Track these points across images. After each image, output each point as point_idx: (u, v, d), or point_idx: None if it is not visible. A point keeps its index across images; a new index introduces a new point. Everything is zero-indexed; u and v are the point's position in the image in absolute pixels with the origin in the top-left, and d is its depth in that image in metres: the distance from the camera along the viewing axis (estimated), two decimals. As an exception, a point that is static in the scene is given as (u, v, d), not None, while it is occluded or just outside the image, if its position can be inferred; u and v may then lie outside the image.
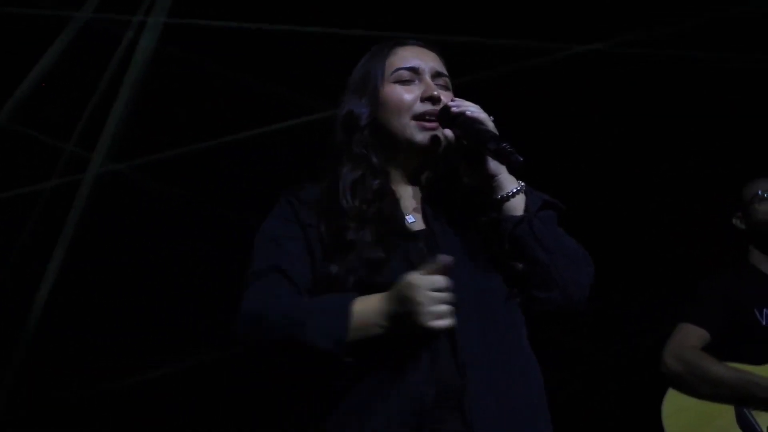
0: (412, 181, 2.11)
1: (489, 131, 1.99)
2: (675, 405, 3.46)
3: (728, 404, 3.39)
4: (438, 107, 2.05)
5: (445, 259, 1.79)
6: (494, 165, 2.01)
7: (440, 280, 1.79)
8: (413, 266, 1.87)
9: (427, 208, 2.06)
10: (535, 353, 2.03)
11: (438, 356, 1.89)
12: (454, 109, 2.02)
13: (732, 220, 3.66)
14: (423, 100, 2.06)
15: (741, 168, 3.93)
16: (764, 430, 3.31)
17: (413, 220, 2.05)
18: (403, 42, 2.15)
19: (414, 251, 1.95)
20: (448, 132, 2.02)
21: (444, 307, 1.78)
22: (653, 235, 4.56)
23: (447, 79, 2.13)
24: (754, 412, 3.36)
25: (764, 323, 3.43)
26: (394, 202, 2.03)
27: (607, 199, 4.40)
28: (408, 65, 2.10)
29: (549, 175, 2.13)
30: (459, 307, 1.86)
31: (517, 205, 2.00)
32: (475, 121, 2.00)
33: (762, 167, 3.74)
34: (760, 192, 3.58)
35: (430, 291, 1.78)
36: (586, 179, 4.29)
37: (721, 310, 3.49)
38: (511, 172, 2.00)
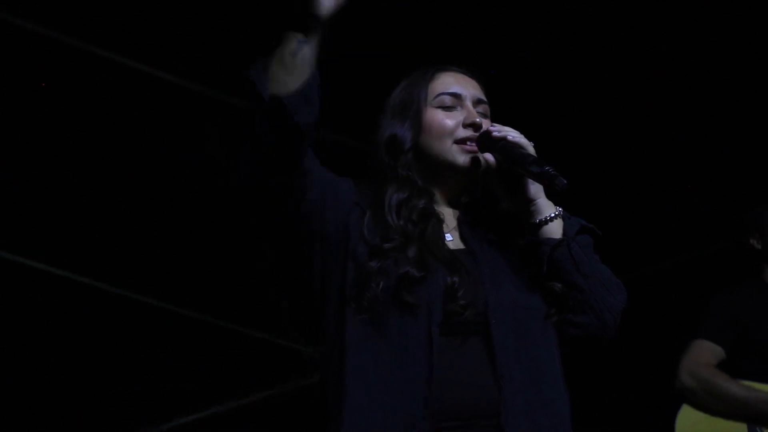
0: (452, 203, 2.16)
1: (532, 155, 2.04)
2: (688, 421, 3.51)
3: (741, 422, 3.43)
4: (478, 134, 2.10)
5: None
6: (533, 189, 2.06)
7: None
8: (446, 288, 1.93)
9: (465, 228, 2.12)
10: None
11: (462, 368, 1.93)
12: (495, 134, 2.07)
13: (749, 240, 3.70)
14: (465, 126, 2.11)
15: (754, 188, 3.98)
16: (776, 448, 3.37)
17: (451, 239, 2.09)
18: (445, 67, 2.20)
19: (451, 274, 1.98)
20: (489, 156, 2.07)
21: None
22: (665, 250, 4.60)
23: (486, 107, 2.19)
24: (766, 431, 3.40)
25: None
26: (438, 223, 2.08)
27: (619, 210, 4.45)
28: (450, 91, 2.15)
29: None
30: (498, 321, 1.93)
31: (555, 230, 2.05)
32: (516, 146, 2.05)
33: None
34: None
35: None
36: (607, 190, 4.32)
37: (735, 326, 3.53)
38: (554, 194, 2.05)
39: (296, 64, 1.91)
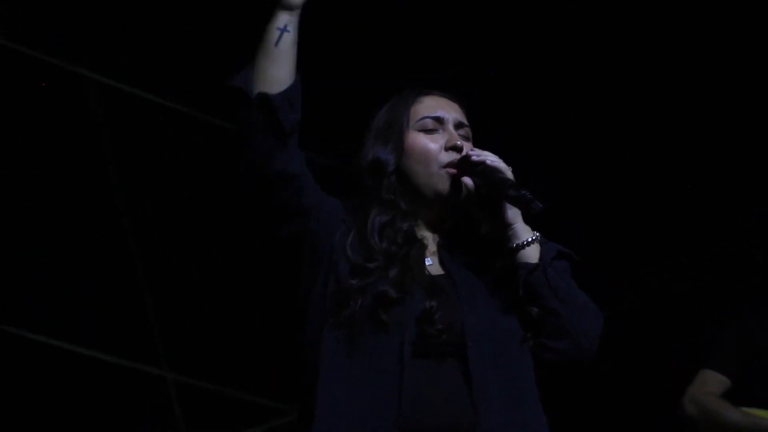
0: (433, 227, 2.17)
1: (510, 179, 2.05)
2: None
3: None
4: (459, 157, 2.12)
5: None
6: (511, 214, 2.07)
7: None
8: (423, 311, 1.95)
9: (444, 252, 2.13)
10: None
11: (440, 391, 1.94)
12: (474, 158, 2.09)
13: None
14: (447, 149, 2.13)
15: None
16: (778, 477, 3.35)
17: (431, 263, 2.11)
18: (427, 91, 2.22)
19: (430, 298, 1.99)
20: (468, 180, 2.08)
21: None
22: (673, 280, 4.60)
23: (468, 130, 2.20)
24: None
25: None
26: (421, 246, 2.10)
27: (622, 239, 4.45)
28: (433, 114, 2.17)
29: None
30: (474, 343, 1.94)
31: (532, 254, 2.06)
32: (495, 170, 2.06)
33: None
34: None
35: None
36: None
37: (743, 355, 3.52)
38: (531, 218, 2.06)
39: (279, 52, 1.99)
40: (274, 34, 1.99)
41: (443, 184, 2.11)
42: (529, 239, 2.06)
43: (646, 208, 4.53)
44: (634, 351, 4.47)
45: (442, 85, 2.24)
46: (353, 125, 2.29)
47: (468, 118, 2.21)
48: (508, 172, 2.07)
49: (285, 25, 2.00)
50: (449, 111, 2.18)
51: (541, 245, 2.07)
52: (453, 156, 2.12)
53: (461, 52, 4.07)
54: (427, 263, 2.10)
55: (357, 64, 4.01)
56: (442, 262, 2.11)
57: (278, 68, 1.99)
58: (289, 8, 2.00)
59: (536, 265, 2.04)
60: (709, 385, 3.51)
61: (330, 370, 1.95)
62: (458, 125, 2.18)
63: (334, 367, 1.95)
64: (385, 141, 2.16)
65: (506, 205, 2.07)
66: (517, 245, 2.06)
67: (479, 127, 2.27)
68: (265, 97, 1.95)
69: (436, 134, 2.15)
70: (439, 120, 2.16)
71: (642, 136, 4.32)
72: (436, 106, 2.19)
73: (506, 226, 2.08)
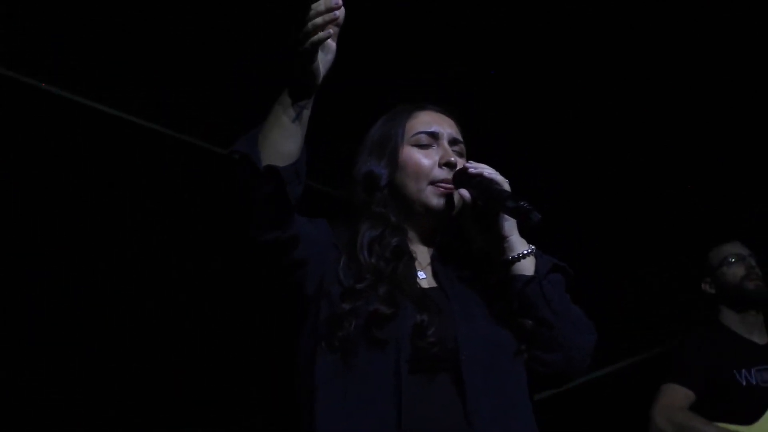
0: (425, 241, 2.19)
1: (507, 191, 2.07)
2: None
3: None
4: (453, 173, 2.13)
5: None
6: (507, 226, 2.09)
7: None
8: (415, 326, 1.95)
9: (437, 265, 2.14)
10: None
11: (439, 402, 1.94)
12: (471, 170, 2.10)
13: (701, 285, 3.80)
14: (440, 165, 2.14)
15: (705, 235, 4.02)
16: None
17: (424, 276, 2.12)
18: (422, 106, 2.24)
19: (421, 312, 2.00)
20: (465, 192, 2.09)
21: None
22: (627, 299, 4.63)
23: (462, 146, 2.22)
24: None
25: (744, 384, 3.51)
26: (410, 261, 2.10)
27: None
28: (428, 130, 2.18)
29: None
30: (468, 357, 1.95)
31: (528, 267, 2.07)
32: (492, 182, 2.08)
33: (725, 233, 3.87)
34: (727, 256, 3.74)
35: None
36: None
37: (703, 370, 3.57)
38: (528, 229, 2.06)
39: (295, 128, 1.95)
40: (293, 110, 1.94)
41: (436, 200, 2.12)
42: (525, 252, 2.08)
43: (646, 207, 4.54)
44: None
45: (437, 98, 2.24)
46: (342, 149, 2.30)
47: (463, 134, 2.23)
48: (506, 184, 2.09)
49: (306, 103, 1.96)
50: (444, 127, 2.20)
51: (536, 258, 2.09)
52: (446, 173, 2.13)
53: (461, 52, 4.07)
54: (420, 277, 2.11)
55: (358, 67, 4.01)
56: (435, 275, 2.13)
57: (291, 143, 1.95)
58: (312, 88, 1.96)
59: (532, 278, 2.06)
60: (677, 399, 3.55)
61: (327, 392, 1.94)
62: (453, 141, 2.20)
63: (330, 389, 1.94)
64: (379, 155, 2.17)
65: (503, 217, 2.08)
66: (513, 258, 2.08)
67: (479, 128, 2.28)
68: (274, 171, 1.91)
69: (430, 149, 2.17)
70: (434, 135, 2.18)
71: (642, 136, 4.34)
72: (431, 121, 2.20)
73: (502, 239, 2.09)
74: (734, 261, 3.71)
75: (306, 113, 1.96)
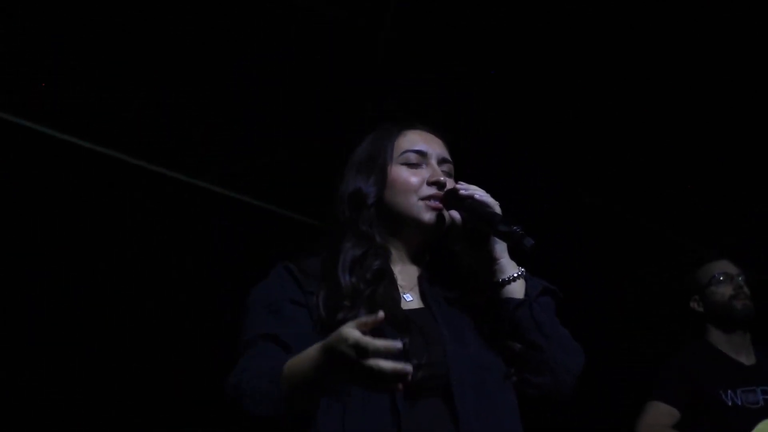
0: (414, 260, 2.17)
1: (499, 214, 2.05)
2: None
3: None
4: (442, 192, 2.11)
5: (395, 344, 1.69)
6: (498, 248, 2.07)
7: (369, 341, 1.67)
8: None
9: (425, 286, 2.11)
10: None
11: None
12: (462, 192, 2.08)
13: (689, 303, 3.77)
14: (429, 184, 2.12)
15: (692, 253, 3.99)
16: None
17: (411, 299, 2.09)
18: (411, 125, 2.22)
19: (402, 335, 1.95)
20: (455, 214, 2.07)
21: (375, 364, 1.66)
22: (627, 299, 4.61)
23: (451, 166, 2.20)
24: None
25: (730, 404, 3.48)
26: (391, 283, 2.07)
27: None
28: (416, 149, 2.16)
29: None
30: (459, 381, 1.93)
31: (517, 290, 2.06)
32: (483, 204, 2.06)
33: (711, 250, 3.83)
34: (716, 275, 3.71)
35: (356, 348, 1.67)
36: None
37: (688, 389, 3.55)
38: (520, 253, 2.04)
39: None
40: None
41: (425, 215, 2.10)
42: (515, 274, 2.06)
43: (645, 207, 4.53)
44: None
45: (425, 119, 2.22)
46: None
47: (451, 154, 2.21)
48: (497, 206, 2.07)
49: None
50: (433, 146, 2.18)
51: (526, 281, 2.07)
52: (434, 190, 2.11)
53: (461, 52, 4.05)
54: (407, 299, 2.08)
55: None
56: (422, 296, 2.10)
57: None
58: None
59: (522, 301, 2.04)
60: (662, 417, 3.53)
61: (325, 425, 1.91)
62: (441, 161, 2.18)
63: (328, 422, 1.91)
64: (367, 173, 2.15)
65: (493, 240, 2.06)
66: (503, 280, 2.06)
67: (479, 128, 2.26)
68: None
69: (419, 168, 2.15)
70: (423, 154, 2.16)
71: (642, 135, 4.32)
72: (420, 140, 2.18)
73: (492, 261, 2.07)
74: (723, 280, 3.69)
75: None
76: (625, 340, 4.55)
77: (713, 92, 4.12)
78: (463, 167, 2.23)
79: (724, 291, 3.67)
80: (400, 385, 1.68)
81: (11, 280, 3.94)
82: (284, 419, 1.85)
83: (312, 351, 1.80)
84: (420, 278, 2.14)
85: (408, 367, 1.66)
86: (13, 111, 3.90)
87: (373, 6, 3.91)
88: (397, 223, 2.13)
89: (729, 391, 3.49)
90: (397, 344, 1.67)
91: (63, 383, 4.12)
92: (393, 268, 2.12)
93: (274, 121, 4.17)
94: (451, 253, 2.15)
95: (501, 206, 2.07)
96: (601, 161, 4.43)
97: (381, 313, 1.70)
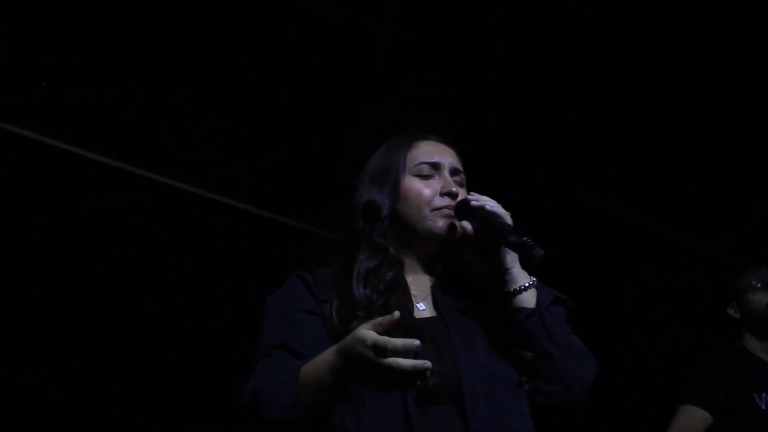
0: (426, 270, 2.18)
1: (510, 225, 2.06)
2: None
3: None
4: (454, 203, 2.13)
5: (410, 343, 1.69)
6: (509, 259, 2.08)
7: (387, 339, 1.68)
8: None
9: (437, 295, 2.13)
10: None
11: None
12: (473, 203, 2.10)
13: (726, 309, 3.78)
14: (442, 194, 2.14)
15: (733, 260, 4.00)
16: None
17: (423, 308, 2.11)
18: (424, 136, 2.24)
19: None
20: (467, 224, 2.09)
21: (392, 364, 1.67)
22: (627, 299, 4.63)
23: (463, 177, 2.22)
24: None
25: (764, 408, 3.49)
26: (404, 293, 2.09)
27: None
28: (430, 160, 2.18)
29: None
30: (470, 390, 1.94)
31: (529, 299, 2.07)
32: (494, 215, 2.07)
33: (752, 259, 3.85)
34: (753, 282, 3.72)
35: (374, 348, 1.68)
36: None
37: (721, 392, 3.55)
38: (531, 264, 2.06)
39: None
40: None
41: (438, 225, 2.12)
42: (527, 284, 2.08)
43: (645, 207, 4.54)
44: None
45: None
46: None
47: (463, 165, 2.22)
48: (507, 217, 2.08)
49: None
50: (446, 157, 2.20)
51: (537, 290, 2.09)
52: (447, 201, 2.13)
53: (461, 52, 4.05)
54: (419, 308, 2.10)
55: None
56: (435, 305, 2.12)
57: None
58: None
59: (533, 310, 2.05)
60: (694, 421, 3.53)
61: (341, 420, 1.92)
62: (454, 171, 2.20)
63: (344, 417, 1.92)
64: (380, 185, 2.17)
65: (504, 250, 2.08)
66: (515, 290, 2.08)
67: (479, 127, 2.27)
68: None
69: (431, 180, 2.17)
70: (436, 166, 2.18)
71: (642, 135, 4.33)
72: (432, 151, 2.20)
73: (504, 271, 2.09)
74: (760, 287, 3.70)
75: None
76: (626, 340, 4.55)
77: (713, 92, 4.13)
78: (462, 167, 2.24)
79: (762, 299, 3.69)
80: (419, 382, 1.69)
81: (13, 282, 3.94)
82: (301, 423, 1.86)
83: (327, 355, 1.82)
84: (432, 288, 2.16)
85: (428, 363, 1.68)
86: (11, 114, 3.89)
87: (373, 6, 3.92)
88: (410, 234, 2.15)
89: (763, 394, 3.50)
90: (415, 342, 1.69)
91: (63, 383, 4.13)
92: (406, 278, 2.14)
93: (274, 122, 4.16)
94: (463, 263, 2.17)
95: (505, 210, 2.09)
96: (601, 161, 4.44)
97: (396, 313, 1.72)
